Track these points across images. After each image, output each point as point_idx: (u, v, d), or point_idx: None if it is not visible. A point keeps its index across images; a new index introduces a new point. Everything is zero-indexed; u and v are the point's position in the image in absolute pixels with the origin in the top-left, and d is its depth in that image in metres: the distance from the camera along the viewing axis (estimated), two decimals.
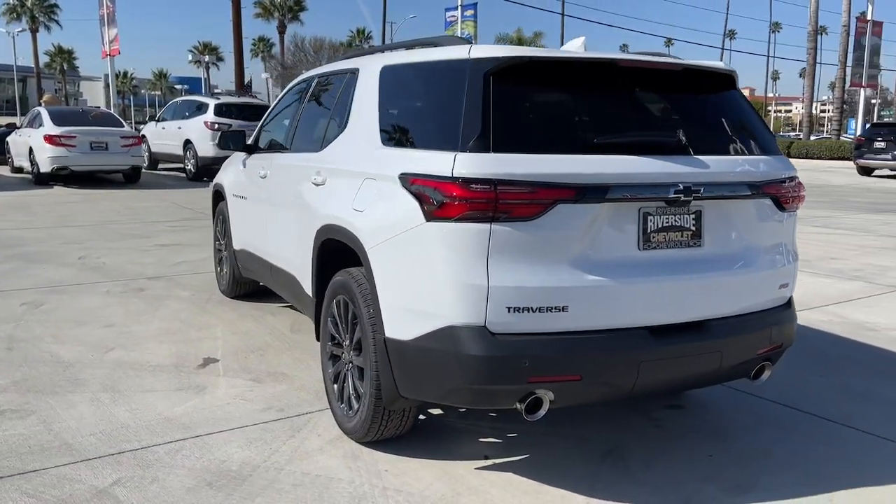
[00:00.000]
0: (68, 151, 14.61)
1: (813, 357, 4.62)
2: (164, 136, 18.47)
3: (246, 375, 4.18)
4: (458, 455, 3.24)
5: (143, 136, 18.99)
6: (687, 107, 3.21)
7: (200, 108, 17.24)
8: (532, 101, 2.93)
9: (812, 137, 37.93)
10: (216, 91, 56.12)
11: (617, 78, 3.02)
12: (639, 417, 3.69)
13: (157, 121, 19.53)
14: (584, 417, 3.63)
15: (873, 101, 45.72)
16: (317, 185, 3.76)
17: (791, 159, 3.72)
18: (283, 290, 4.63)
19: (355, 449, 3.26)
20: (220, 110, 16.66)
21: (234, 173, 5.56)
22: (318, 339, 3.73)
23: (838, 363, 4.62)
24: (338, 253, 3.42)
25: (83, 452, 3.18)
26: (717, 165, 2.96)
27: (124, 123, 16.81)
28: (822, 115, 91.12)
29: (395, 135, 3.29)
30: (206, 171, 16.41)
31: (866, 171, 23.13)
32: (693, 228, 2.93)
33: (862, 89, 37.04)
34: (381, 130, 3.32)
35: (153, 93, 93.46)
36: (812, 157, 30.31)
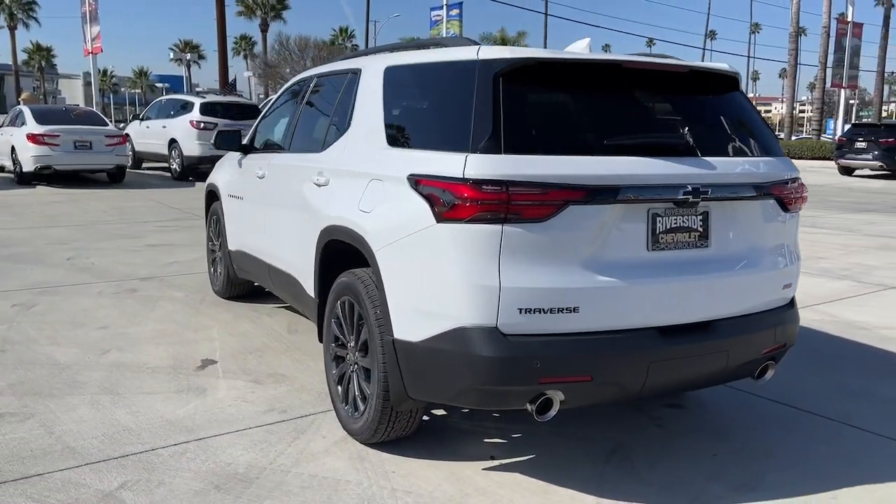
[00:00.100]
0: (52, 150, 14.38)
1: (809, 356, 4.67)
2: (148, 135, 18.26)
3: (245, 377, 4.15)
4: (464, 456, 3.24)
5: (127, 135, 18.79)
6: (693, 108, 3.23)
7: (186, 107, 17.05)
8: (541, 102, 2.95)
9: (792, 138, 38.34)
10: (199, 89, 55.77)
11: (624, 79, 3.04)
12: (641, 417, 3.71)
13: (142, 119, 19.29)
14: (587, 418, 3.64)
15: (851, 101, 46.27)
16: (319, 185, 3.74)
17: None
18: (281, 290, 4.59)
19: (361, 450, 3.26)
20: (206, 109, 16.50)
21: (230, 173, 5.51)
22: (321, 340, 3.70)
23: (833, 362, 4.67)
24: (342, 254, 3.40)
25: (86, 456, 3.14)
26: (724, 167, 2.99)
27: (108, 122, 16.62)
28: (800, 115, 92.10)
29: (402, 136, 3.28)
30: (191, 170, 16.32)
31: (847, 171, 23.41)
32: (700, 229, 2.95)
33: (842, 90, 37.46)
34: (387, 131, 3.30)
35: (133, 91, 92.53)
36: (793, 157, 30.56)
